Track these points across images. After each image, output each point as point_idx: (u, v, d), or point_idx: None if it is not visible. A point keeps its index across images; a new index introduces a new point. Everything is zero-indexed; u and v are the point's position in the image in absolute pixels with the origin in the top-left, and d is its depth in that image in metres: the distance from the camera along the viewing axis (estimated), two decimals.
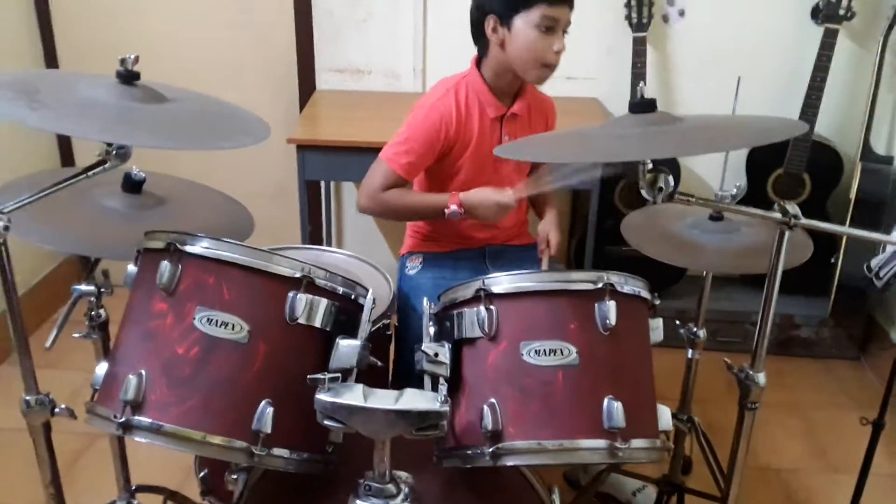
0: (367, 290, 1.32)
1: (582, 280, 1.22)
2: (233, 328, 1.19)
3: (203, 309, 1.19)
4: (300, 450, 1.23)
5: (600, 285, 1.21)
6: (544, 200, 2.13)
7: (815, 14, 2.80)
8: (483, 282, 1.23)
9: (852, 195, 2.76)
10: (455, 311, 1.26)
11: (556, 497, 1.38)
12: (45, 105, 1.18)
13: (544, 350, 1.18)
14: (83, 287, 1.46)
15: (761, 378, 1.36)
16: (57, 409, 1.34)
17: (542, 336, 1.19)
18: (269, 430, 1.17)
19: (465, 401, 1.24)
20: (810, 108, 2.77)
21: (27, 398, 1.31)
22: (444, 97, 1.91)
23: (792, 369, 2.92)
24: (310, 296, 1.22)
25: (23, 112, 1.14)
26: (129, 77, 1.28)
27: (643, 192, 1.23)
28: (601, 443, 1.15)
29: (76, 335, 1.46)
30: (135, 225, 1.40)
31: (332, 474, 1.29)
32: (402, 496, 1.18)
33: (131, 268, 1.33)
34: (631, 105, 1.28)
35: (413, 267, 2.06)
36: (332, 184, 3.17)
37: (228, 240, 1.24)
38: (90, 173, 1.28)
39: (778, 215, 1.24)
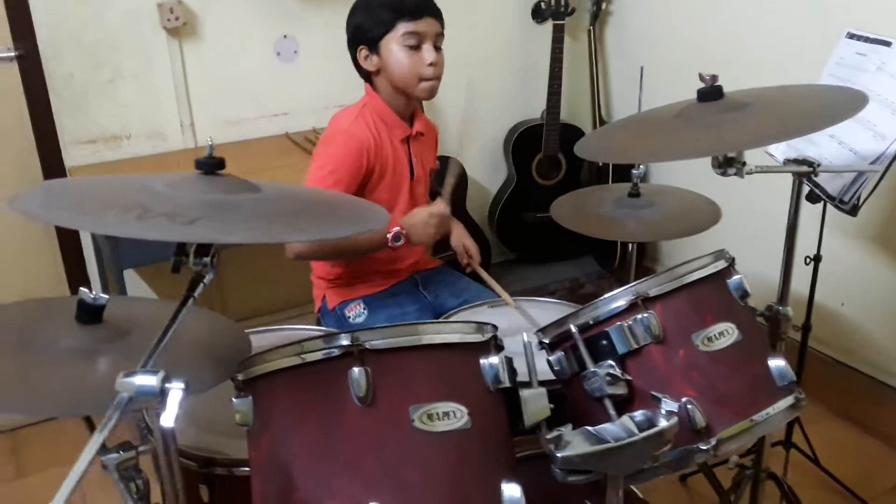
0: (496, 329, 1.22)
1: (712, 263, 1.29)
2: (455, 416, 1.04)
3: (417, 406, 1.02)
4: None
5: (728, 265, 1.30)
6: None
7: (537, 14, 3.16)
8: (636, 290, 1.23)
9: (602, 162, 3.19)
10: (608, 328, 1.24)
11: None
12: (184, 216, 0.89)
13: (715, 335, 1.23)
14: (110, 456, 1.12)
15: (790, 311, 1.58)
16: None
17: (709, 323, 1.24)
18: None
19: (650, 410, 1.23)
20: (554, 96, 3.12)
21: None
22: (356, 123, 1.82)
23: None
24: (500, 355, 1.12)
25: (181, 230, 0.86)
26: (215, 165, 1.02)
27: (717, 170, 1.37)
28: (790, 399, 1.25)
29: None
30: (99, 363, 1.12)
31: None
32: None
33: (241, 402, 1.08)
34: (700, 93, 1.36)
35: (357, 314, 1.90)
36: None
37: (397, 323, 1.07)
38: (196, 294, 1.00)
39: (805, 167, 1.45)
